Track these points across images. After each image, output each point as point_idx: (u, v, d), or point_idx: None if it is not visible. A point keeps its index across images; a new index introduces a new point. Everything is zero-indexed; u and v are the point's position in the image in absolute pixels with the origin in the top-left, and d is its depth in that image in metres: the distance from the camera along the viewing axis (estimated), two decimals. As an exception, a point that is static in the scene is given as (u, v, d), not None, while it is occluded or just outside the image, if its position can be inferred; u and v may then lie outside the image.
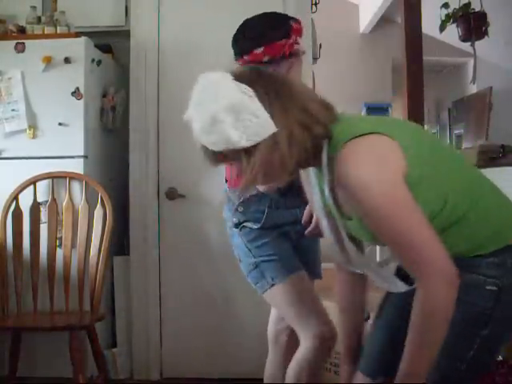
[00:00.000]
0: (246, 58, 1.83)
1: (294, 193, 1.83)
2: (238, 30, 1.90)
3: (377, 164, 1.16)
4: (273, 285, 1.81)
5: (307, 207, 1.77)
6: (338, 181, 1.20)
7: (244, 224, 1.88)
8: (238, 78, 1.20)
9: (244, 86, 1.17)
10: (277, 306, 1.91)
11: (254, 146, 1.17)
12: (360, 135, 1.17)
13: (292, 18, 1.89)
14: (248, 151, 1.18)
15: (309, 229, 1.76)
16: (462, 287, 1.14)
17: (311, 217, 1.76)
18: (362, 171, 1.14)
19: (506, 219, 1.29)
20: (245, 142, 1.16)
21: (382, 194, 1.14)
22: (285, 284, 1.80)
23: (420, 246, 1.13)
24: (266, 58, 1.80)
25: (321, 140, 1.21)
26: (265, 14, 1.90)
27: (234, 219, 1.89)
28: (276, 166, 1.20)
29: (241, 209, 1.88)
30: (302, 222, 1.79)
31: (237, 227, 1.89)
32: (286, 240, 1.90)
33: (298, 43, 1.85)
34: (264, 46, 1.79)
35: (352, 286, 1.51)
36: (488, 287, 1.23)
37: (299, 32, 1.85)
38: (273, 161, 1.19)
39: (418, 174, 1.18)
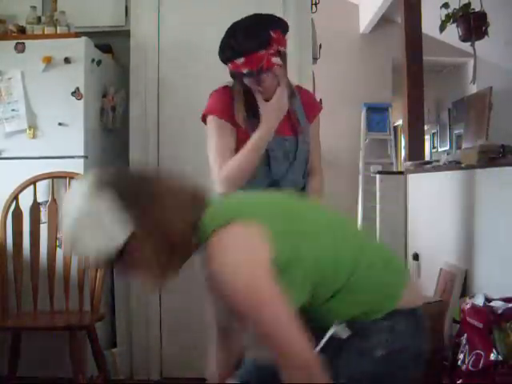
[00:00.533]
0: (229, 65, 1.83)
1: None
2: (224, 34, 1.88)
3: (240, 258, 1.16)
4: None
5: None
6: (206, 274, 1.22)
7: None
8: (98, 182, 1.18)
9: (99, 193, 1.16)
10: None
11: (124, 250, 1.17)
12: (227, 223, 1.18)
13: (274, 25, 1.83)
14: (123, 254, 1.18)
15: None
16: (355, 353, 1.19)
17: None
18: (225, 267, 1.15)
19: (391, 285, 1.30)
20: (111, 248, 1.16)
21: (245, 291, 1.14)
22: None
23: (282, 342, 1.14)
24: (245, 70, 1.79)
25: (187, 235, 1.21)
26: (249, 18, 1.88)
27: None
28: (144, 267, 1.20)
29: None
30: None
31: None
32: None
33: (279, 52, 1.80)
34: (244, 57, 1.77)
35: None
36: (377, 352, 1.25)
37: (280, 41, 1.81)
38: (140, 261, 1.20)
39: (286, 257, 1.18)
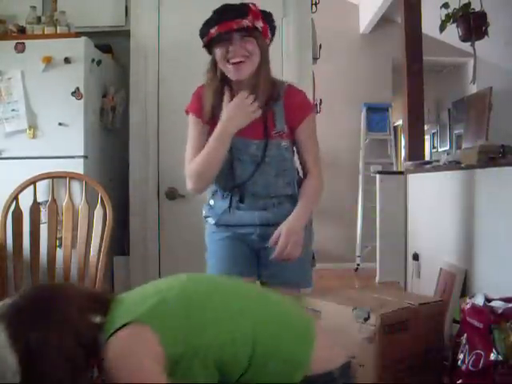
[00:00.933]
0: (204, 40, 1.85)
1: (253, 197, 1.87)
2: None
3: (130, 360, 1.18)
4: None
5: (278, 228, 1.76)
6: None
7: (207, 219, 1.97)
8: None
9: None
10: None
11: None
12: (122, 326, 1.20)
13: (254, 4, 1.80)
14: None
15: (274, 253, 1.76)
16: None
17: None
18: (117, 370, 1.18)
19: (296, 353, 1.30)
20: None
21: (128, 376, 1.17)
22: None
23: None
24: (215, 34, 1.77)
25: (96, 339, 1.22)
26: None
27: (203, 211, 1.99)
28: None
29: (211, 202, 1.95)
30: (270, 242, 1.77)
31: (204, 219, 1.99)
32: (242, 244, 1.90)
33: (256, 28, 1.76)
34: (217, 25, 1.76)
35: None
36: None
37: (257, 16, 1.77)
38: None
39: (179, 352, 1.21)
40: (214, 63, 1.83)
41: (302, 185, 1.89)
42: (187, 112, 1.95)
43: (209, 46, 1.84)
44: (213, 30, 1.76)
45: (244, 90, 1.81)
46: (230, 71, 1.78)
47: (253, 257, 1.91)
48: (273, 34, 1.85)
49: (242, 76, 1.79)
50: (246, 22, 1.73)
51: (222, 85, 1.85)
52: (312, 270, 2.00)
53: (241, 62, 1.76)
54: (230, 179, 1.87)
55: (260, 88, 1.80)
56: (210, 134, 1.85)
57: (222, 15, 1.76)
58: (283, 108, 1.85)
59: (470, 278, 2.60)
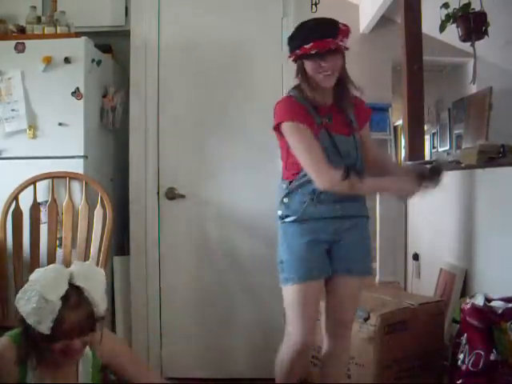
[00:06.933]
0: (296, 52, 1.97)
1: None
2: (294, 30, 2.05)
3: None
4: (287, 284, 2.01)
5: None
6: None
7: (285, 219, 2.03)
8: None
9: None
10: (284, 302, 2.06)
11: None
12: None
13: (341, 23, 1.98)
14: None
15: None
16: None
17: None
18: None
19: None
20: None
21: None
22: (294, 289, 1.99)
23: None
24: (312, 51, 1.91)
25: None
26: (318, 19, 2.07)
27: (279, 211, 2.06)
28: None
29: (286, 200, 2.03)
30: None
31: (281, 219, 2.05)
32: (319, 244, 2.01)
33: (344, 47, 1.97)
34: (313, 42, 1.91)
35: None
36: None
37: (346, 35, 1.96)
38: None
39: None
40: (304, 71, 1.99)
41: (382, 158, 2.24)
42: (280, 123, 2.00)
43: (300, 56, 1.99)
44: (308, 46, 1.91)
45: (328, 91, 2.03)
46: (322, 81, 1.97)
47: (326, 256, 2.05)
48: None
49: (331, 84, 1.99)
50: (338, 43, 1.92)
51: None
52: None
53: (334, 73, 1.98)
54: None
55: (345, 91, 2.05)
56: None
57: (318, 33, 1.91)
58: (354, 115, 2.10)
59: (470, 278, 2.60)
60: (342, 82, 2.03)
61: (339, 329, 2.13)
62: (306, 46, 1.91)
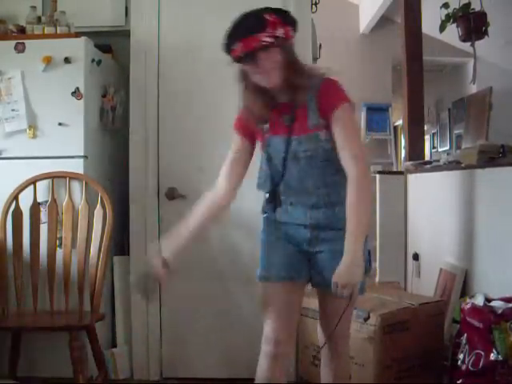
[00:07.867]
0: (231, 56, 1.79)
1: (306, 193, 1.83)
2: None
3: None
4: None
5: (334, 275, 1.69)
6: None
7: (263, 214, 1.99)
8: None
9: None
10: None
11: None
12: None
13: (268, 10, 1.76)
14: None
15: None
16: None
17: None
18: None
19: None
20: None
21: None
22: (261, 285, 1.92)
23: None
24: (242, 54, 1.73)
25: None
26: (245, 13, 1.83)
27: (263, 204, 2.00)
28: None
29: (267, 196, 1.97)
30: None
31: (262, 213, 2.00)
32: (290, 243, 1.88)
33: (277, 37, 1.73)
34: (241, 42, 1.72)
35: None
36: None
37: (276, 25, 1.73)
38: None
39: None
40: (245, 73, 1.82)
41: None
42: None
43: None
44: (236, 47, 1.73)
45: (280, 90, 1.80)
46: (260, 82, 1.79)
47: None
48: (295, 29, 1.81)
49: (272, 84, 1.79)
50: (266, 38, 1.70)
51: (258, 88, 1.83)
52: (366, 277, 1.84)
53: (269, 73, 1.77)
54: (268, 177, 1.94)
55: (296, 85, 1.78)
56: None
57: (240, 28, 1.73)
58: (316, 101, 1.79)
59: (470, 278, 2.60)
60: (290, 73, 1.77)
61: (329, 343, 1.97)
62: (234, 48, 1.74)
